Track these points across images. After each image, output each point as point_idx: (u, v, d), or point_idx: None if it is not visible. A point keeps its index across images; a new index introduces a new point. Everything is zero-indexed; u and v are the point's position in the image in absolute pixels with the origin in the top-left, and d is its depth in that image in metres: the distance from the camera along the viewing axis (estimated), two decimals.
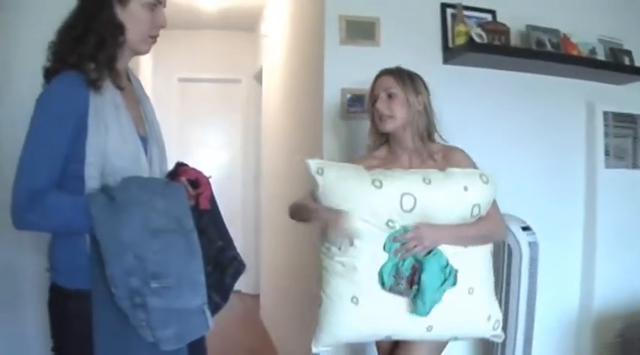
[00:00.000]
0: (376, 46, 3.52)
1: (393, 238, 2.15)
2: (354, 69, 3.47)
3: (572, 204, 3.90)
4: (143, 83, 5.89)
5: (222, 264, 2.00)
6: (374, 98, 2.46)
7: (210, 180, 1.99)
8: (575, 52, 3.65)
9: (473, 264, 2.28)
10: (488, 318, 2.31)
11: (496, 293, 2.92)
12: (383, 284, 2.16)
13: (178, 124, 7.28)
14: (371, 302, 2.18)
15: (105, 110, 1.75)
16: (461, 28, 3.49)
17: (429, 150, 2.46)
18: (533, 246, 3.28)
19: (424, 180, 2.19)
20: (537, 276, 3.31)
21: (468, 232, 2.24)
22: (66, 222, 1.69)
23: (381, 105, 2.41)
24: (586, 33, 3.80)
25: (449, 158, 2.45)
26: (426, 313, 2.16)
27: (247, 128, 7.60)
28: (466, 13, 3.60)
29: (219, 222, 2.06)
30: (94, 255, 1.66)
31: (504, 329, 3.16)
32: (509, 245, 3.32)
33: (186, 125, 7.45)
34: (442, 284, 2.15)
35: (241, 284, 6.18)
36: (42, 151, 1.68)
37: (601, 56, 3.77)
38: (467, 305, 2.24)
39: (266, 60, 6.31)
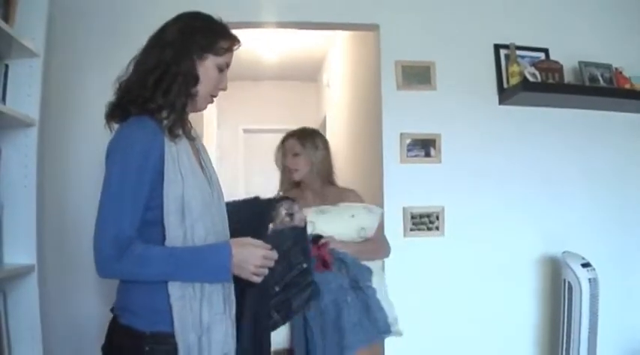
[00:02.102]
0: (432, 89, 3.62)
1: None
2: (411, 113, 3.59)
3: (637, 239, 3.82)
4: (208, 135, 6.10)
5: (298, 285, 2.16)
6: (282, 154, 3.14)
7: None
8: (627, 86, 3.63)
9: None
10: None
11: (558, 330, 3.31)
12: None
13: (244, 174, 7.44)
14: None
15: (181, 159, 1.80)
16: (514, 68, 3.54)
17: (329, 191, 3.12)
18: (593, 282, 3.25)
19: (320, 211, 2.83)
20: (598, 312, 3.28)
21: (358, 247, 2.83)
22: (158, 271, 1.70)
23: (290, 162, 3.09)
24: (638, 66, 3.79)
25: (343, 197, 3.07)
26: None
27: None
28: (520, 52, 3.65)
29: (306, 244, 2.26)
30: None
31: None
32: (569, 282, 3.30)
33: (251, 175, 7.61)
34: None
35: None
36: (125, 199, 1.68)
37: None
38: None
39: (329, 109, 6.44)
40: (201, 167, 1.96)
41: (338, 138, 5.77)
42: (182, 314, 1.73)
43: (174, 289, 1.73)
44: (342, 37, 5.33)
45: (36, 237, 2.74)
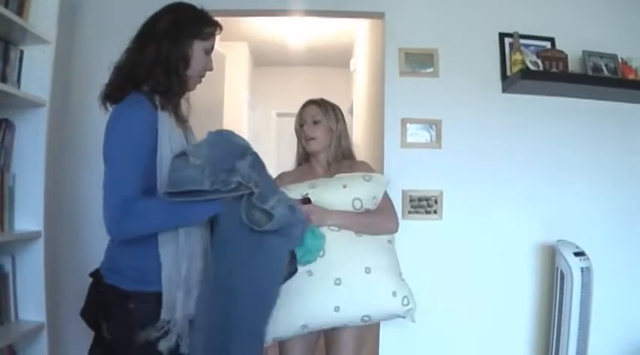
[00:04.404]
0: (435, 76, 3.69)
1: None
2: (413, 99, 3.67)
3: (638, 230, 3.80)
4: (239, 117, 6.34)
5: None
6: (302, 123, 2.92)
7: None
8: (632, 76, 3.62)
9: (369, 249, 2.56)
10: (394, 294, 2.51)
11: (550, 318, 3.34)
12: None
13: (277, 156, 7.59)
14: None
15: (172, 135, 2.02)
16: (517, 56, 3.56)
17: (341, 165, 2.89)
18: (585, 271, 3.27)
19: (309, 186, 2.61)
20: (591, 302, 3.30)
21: (354, 218, 2.56)
22: (160, 221, 1.94)
23: (308, 129, 2.88)
24: None
25: (354, 169, 2.83)
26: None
27: None
28: (526, 41, 3.68)
29: None
30: None
31: (557, 351, 3.25)
32: (561, 270, 3.34)
33: (284, 157, 7.73)
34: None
35: None
36: (128, 169, 1.90)
37: None
38: (365, 282, 2.47)
39: (355, 94, 6.55)
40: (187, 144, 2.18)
41: (360, 122, 5.88)
42: (171, 274, 1.94)
43: (164, 249, 1.95)
44: (366, 24, 5.41)
45: (44, 206, 2.97)
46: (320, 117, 2.89)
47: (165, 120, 2.00)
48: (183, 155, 1.92)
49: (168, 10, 2.15)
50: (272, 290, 2.08)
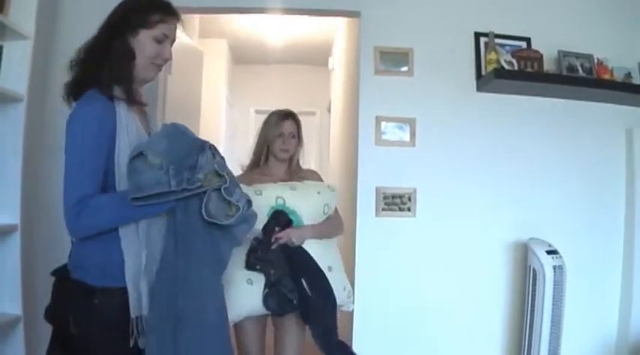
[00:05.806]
0: (410, 75, 3.71)
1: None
2: (388, 98, 3.70)
3: (613, 231, 3.85)
4: (217, 114, 6.31)
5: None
6: (280, 134, 3.12)
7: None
8: (607, 77, 3.65)
9: (328, 250, 2.95)
10: (344, 289, 2.94)
11: (523, 316, 3.41)
12: None
13: None
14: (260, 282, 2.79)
15: (130, 130, 2.02)
16: (492, 56, 3.59)
17: (295, 171, 3.21)
18: (558, 269, 3.31)
19: (290, 188, 2.92)
20: (564, 301, 3.33)
21: (322, 228, 2.95)
22: (115, 215, 1.92)
23: (288, 143, 3.13)
24: (626, 58, 3.83)
25: (306, 177, 3.18)
26: None
27: (321, 157, 7.90)
28: (502, 41, 3.72)
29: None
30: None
31: (530, 350, 3.32)
32: (534, 268, 3.38)
33: None
34: None
35: None
36: (86, 164, 1.91)
37: (637, 81, 3.74)
38: (329, 278, 2.84)
39: (333, 92, 6.58)
40: (149, 135, 2.17)
41: (337, 120, 5.91)
42: (134, 267, 1.95)
43: (126, 242, 1.95)
44: (345, 23, 5.43)
45: (21, 199, 2.98)
46: (296, 133, 3.17)
47: (122, 113, 2.01)
48: (140, 155, 1.90)
49: (121, 2, 2.17)
50: (218, 284, 2.11)
